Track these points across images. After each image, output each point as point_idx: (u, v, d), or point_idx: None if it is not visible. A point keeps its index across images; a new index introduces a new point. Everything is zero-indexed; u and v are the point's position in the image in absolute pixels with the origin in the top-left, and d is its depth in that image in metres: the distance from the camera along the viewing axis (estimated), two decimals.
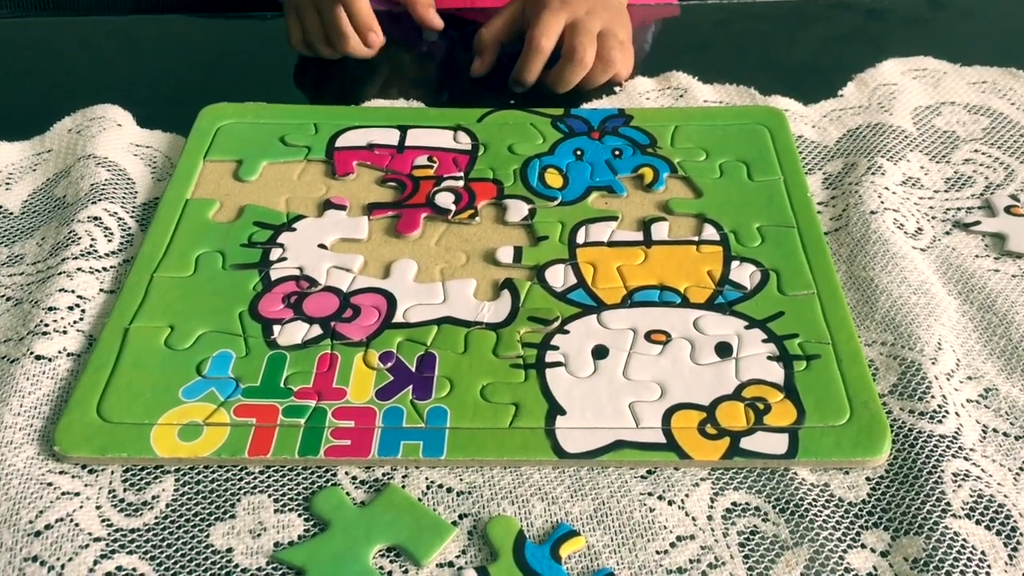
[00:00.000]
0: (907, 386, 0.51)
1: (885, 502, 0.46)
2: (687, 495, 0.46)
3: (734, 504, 0.46)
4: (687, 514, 0.46)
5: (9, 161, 0.68)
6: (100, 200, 0.63)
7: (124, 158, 0.67)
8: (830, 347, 0.53)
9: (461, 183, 0.65)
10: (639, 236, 0.60)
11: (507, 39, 0.75)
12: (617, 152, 0.67)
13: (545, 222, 0.61)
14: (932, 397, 0.50)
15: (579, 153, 0.67)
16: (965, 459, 0.47)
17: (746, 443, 0.48)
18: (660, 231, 0.61)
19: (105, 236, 0.60)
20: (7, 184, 0.66)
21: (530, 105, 0.71)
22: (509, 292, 0.57)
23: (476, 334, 0.54)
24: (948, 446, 0.48)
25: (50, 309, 0.55)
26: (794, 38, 0.82)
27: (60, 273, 0.57)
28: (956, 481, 0.46)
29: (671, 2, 0.86)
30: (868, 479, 0.47)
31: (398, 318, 0.55)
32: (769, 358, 0.52)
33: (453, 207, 0.63)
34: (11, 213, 0.64)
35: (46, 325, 0.54)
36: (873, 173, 0.64)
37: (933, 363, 0.52)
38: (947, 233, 0.61)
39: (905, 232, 0.61)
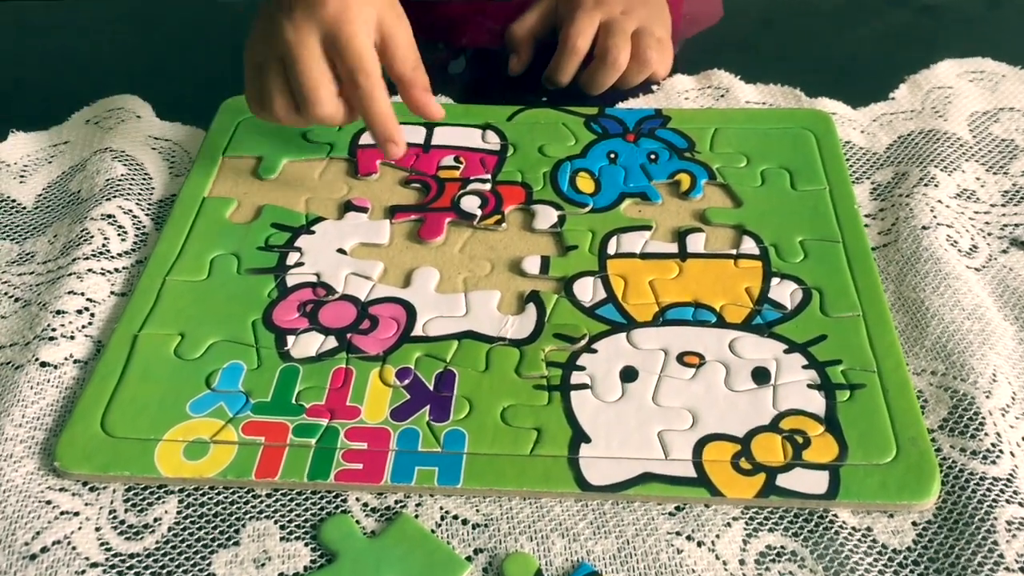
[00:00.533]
0: (958, 421, 0.48)
1: (932, 550, 0.43)
2: (718, 536, 0.44)
3: (768, 548, 0.43)
4: (717, 557, 0.43)
5: (25, 152, 0.66)
6: (115, 196, 0.60)
7: (142, 152, 0.65)
8: (876, 376, 0.49)
9: (488, 186, 0.62)
10: (674, 248, 0.57)
11: (541, 34, 0.72)
12: (653, 156, 0.64)
13: (575, 230, 0.58)
14: (985, 434, 0.47)
15: (613, 156, 0.64)
16: (1020, 504, 0.44)
17: (783, 480, 0.45)
18: (696, 243, 0.57)
19: (119, 235, 0.58)
20: (22, 176, 0.64)
21: (563, 103, 0.68)
22: (535, 306, 0.54)
23: (498, 351, 0.51)
24: (1002, 490, 0.44)
25: (58, 312, 0.53)
26: (843, 36, 0.78)
27: (70, 274, 0.55)
28: (1010, 530, 0.43)
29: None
30: (914, 524, 0.44)
31: (417, 331, 0.52)
32: (810, 386, 0.49)
33: (479, 212, 0.60)
34: (24, 208, 0.62)
35: (53, 330, 0.52)
36: (925, 184, 0.60)
37: (987, 396, 0.48)
38: (1004, 251, 0.57)
39: (959, 250, 0.57)
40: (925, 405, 0.49)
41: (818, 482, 0.45)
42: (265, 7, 0.57)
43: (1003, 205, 0.60)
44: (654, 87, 0.71)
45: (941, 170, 0.62)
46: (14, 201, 0.62)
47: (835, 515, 0.44)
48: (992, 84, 0.70)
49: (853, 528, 0.44)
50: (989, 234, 0.58)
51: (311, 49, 0.54)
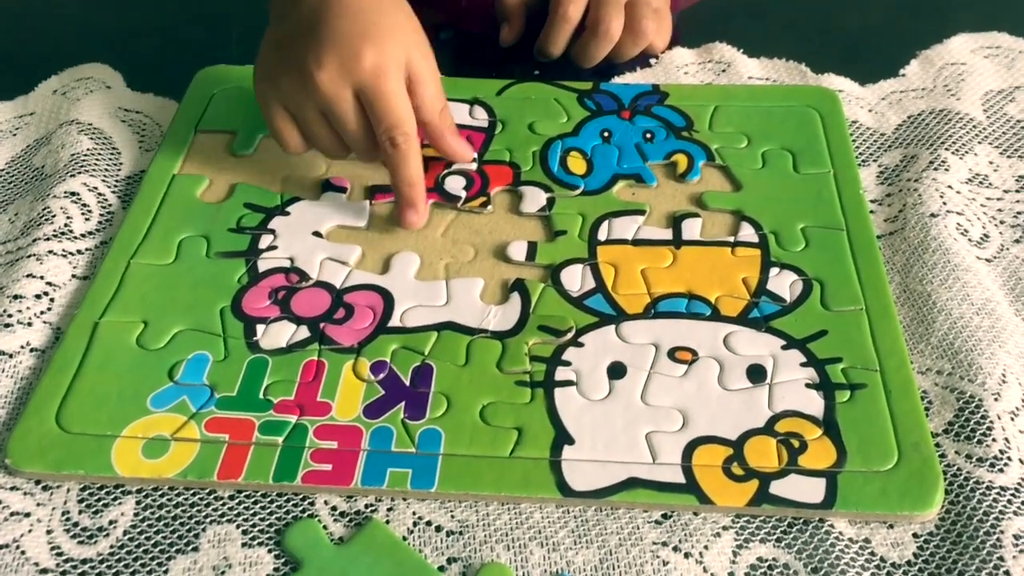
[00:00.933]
0: (964, 425, 0.45)
1: (934, 565, 0.40)
2: (706, 547, 0.41)
3: (760, 560, 0.41)
4: (705, 570, 0.40)
5: None
6: (80, 172, 0.57)
7: (110, 124, 0.61)
8: (878, 375, 0.46)
9: (474, 166, 0.58)
10: (668, 234, 0.54)
11: (532, 2, 0.68)
12: (649, 135, 0.60)
13: (564, 214, 0.55)
14: (993, 440, 0.44)
15: (606, 135, 0.60)
16: None
17: (777, 487, 0.42)
18: (692, 229, 0.54)
19: (82, 214, 0.55)
20: None
21: (556, 78, 0.65)
22: (519, 295, 0.51)
23: (480, 343, 0.48)
24: (1010, 500, 0.42)
25: (15, 297, 0.50)
26: (851, 7, 0.74)
27: (30, 256, 0.52)
28: (1017, 544, 0.40)
29: None
30: (915, 536, 0.41)
31: (395, 321, 0.50)
32: (808, 386, 0.46)
33: (463, 194, 0.57)
34: None
35: (9, 316, 0.49)
36: (935, 168, 0.57)
37: (996, 399, 0.45)
38: (1017, 241, 0.54)
39: (969, 239, 0.54)
40: (929, 407, 0.46)
41: (814, 490, 0.42)
42: (288, 51, 0.52)
43: (1017, 191, 0.57)
44: (652, 60, 0.67)
45: (952, 153, 0.58)
46: None
47: (831, 525, 0.42)
48: (1008, 61, 0.66)
49: (850, 540, 0.41)
50: (1002, 222, 0.55)
51: (350, 103, 0.51)
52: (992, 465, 0.43)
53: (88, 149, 0.59)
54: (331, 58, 0.50)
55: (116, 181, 0.58)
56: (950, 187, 0.56)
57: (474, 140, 0.60)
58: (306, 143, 0.54)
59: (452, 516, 0.42)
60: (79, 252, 0.54)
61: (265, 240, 0.54)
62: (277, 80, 0.52)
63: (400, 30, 0.52)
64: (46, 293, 0.51)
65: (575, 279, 0.52)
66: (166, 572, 0.40)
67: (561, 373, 0.47)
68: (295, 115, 0.53)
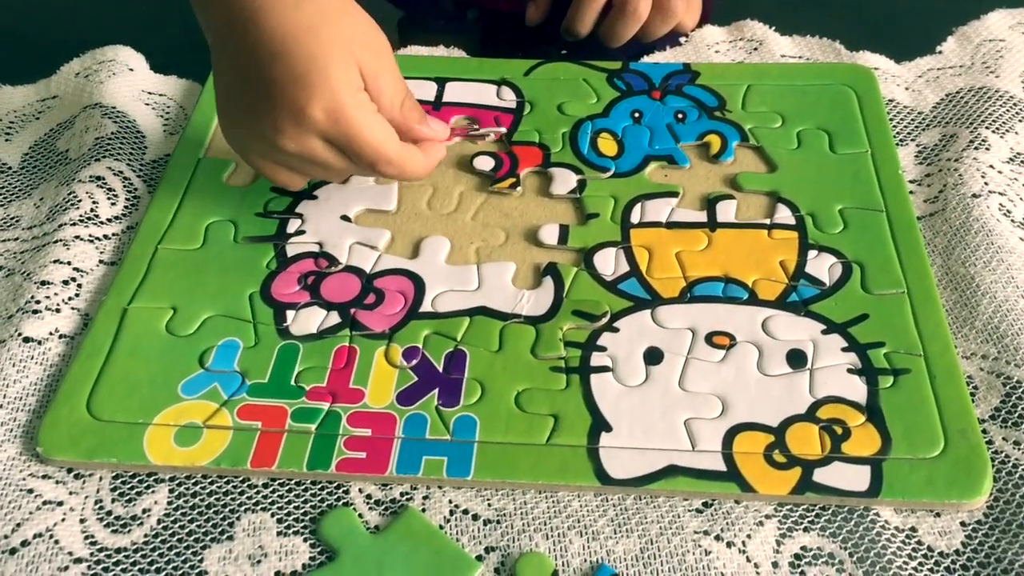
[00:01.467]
0: (1012, 411, 0.44)
1: (982, 554, 0.40)
2: (749, 535, 0.40)
3: (804, 549, 0.40)
4: (748, 559, 0.39)
5: (11, 108, 0.62)
6: (105, 156, 0.57)
7: (134, 107, 0.61)
8: (922, 360, 0.45)
9: (498, 145, 0.57)
10: (702, 216, 0.53)
11: None
12: (680, 115, 0.59)
13: (596, 196, 0.54)
14: None
15: (637, 115, 0.59)
16: None
17: (820, 475, 0.41)
18: (727, 211, 0.53)
19: (108, 199, 0.55)
20: (7, 134, 0.60)
21: (584, 57, 0.63)
22: (552, 279, 0.50)
23: (513, 329, 0.48)
24: None
25: (43, 283, 0.50)
26: None
27: (56, 241, 0.52)
28: None
29: None
30: (963, 525, 0.40)
31: (426, 306, 0.49)
32: (850, 371, 0.45)
33: (492, 175, 0.56)
34: (9, 168, 0.59)
35: (37, 302, 0.49)
36: (976, 147, 0.56)
37: None
38: None
39: (1012, 220, 0.52)
40: (975, 392, 0.45)
41: (859, 478, 0.41)
42: (241, 110, 0.48)
43: None
44: (682, 39, 0.66)
45: (993, 132, 0.57)
46: None
47: (876, 514, 0.41)
48: None
49: (896, 528, 0.40)
50: None
51: (323, 149, 0.47)
52: None
53: (112, 133, 0.58)
54: (285, 121, 0.46)
55: (141, 165, 0.57)
56: (991, 167, 0.55)
57: (502, 121, 0.59)
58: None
59: (489, 504, 0.41)
60: (106, 237, 0.53)
61: (293, 224, 0.53)
62: (247, 142, 0.49)
63: (340, 42, 0.47)
64: (73, 279, 0.50)
65: (609, 263, 0.51)
66: (201, 561, 0.40)
67: (597, 359, 0.46)
68: (283, 165, 0.50)
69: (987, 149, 0.56)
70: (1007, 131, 0.57)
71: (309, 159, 0.48)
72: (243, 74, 0.47)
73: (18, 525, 0.41)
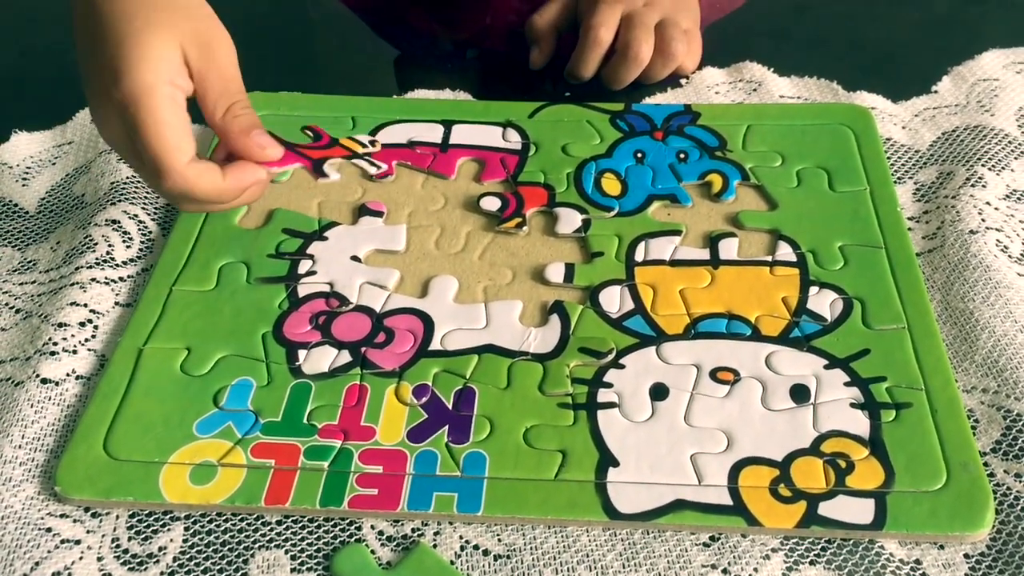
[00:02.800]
0: (1012, 444, 0.45)
1: None
2: (756, 569, 0.41)
3: None
4: None
5: (28, 154, 0.64)
6: (120, 201, 0.58)
7: None
8: (923, 394, 0.46)
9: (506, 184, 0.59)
10: (705, 254, 0.54)
11: (562, 25, 0.68)
12: (682, 155, 0.60)
13: (600, 235, 0.55)
14: None
15: (640, 156, 0.61)
16: None
17: (825, 509, 0.42)
18: (729, 249, 0.54)
19: (123, 242, 0.56)
20: (24, 179, 0.62)
21: (587, 99, 0.65)
22: (559, 317, 0.51)
23: (521, 366, 0.49)
24: None
25: (60, 325, 0.51)
26: (881, 23, 0.74)
27: (73, 284, 0.53)
28: None
29: None
30: (967, 557, 0.41)
31: (435, 345, 0.50)
32: (852, 405, 0.46)
33: (499, 215, 0.57)
34: (27, 212, 0.60)
35: (55, 344, 0.50)
36: (972, 185, 0.57)
37: None
38: None
39: (1010, 255, 0.53)
40: (976, 426, 0.46)
41: (863, 511, 0.42)
42: (87, 93, 0.47)
43: None
44: (682, 81, 0.67)
45: (989, 169, 0.58)
46: (16, 205, 0.60)
47: (881, 547, 0.41)
48: None
49: (901, 561, 0.41)
50: None
51: (119, 139, 0.45)
52: None
53: (127, 177, 0.59)
54: (95, 102, 0.45)
55: (155, 208, 0.59)
56: (988, 203, 0.56)
57: (508, 162, 0.61)
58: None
59: (499, 540, 0.42)
60: (121, 279, 0.54)
61: (304, 265, 0.54)
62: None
63: (164, 29, 0.44)
64: (90, 321, 0.52)
65: (614, 300, 0.52)
66: None
67: (603, 395, 0.47)
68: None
69: (983, 186, 0.57)
70: (1003, 168, 0.59)
71: (114, 147, 0.46)
72: (84, 52, 0.46)
73: (37, 564, 0.41)
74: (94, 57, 0.45)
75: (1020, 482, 0.43)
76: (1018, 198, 0.57)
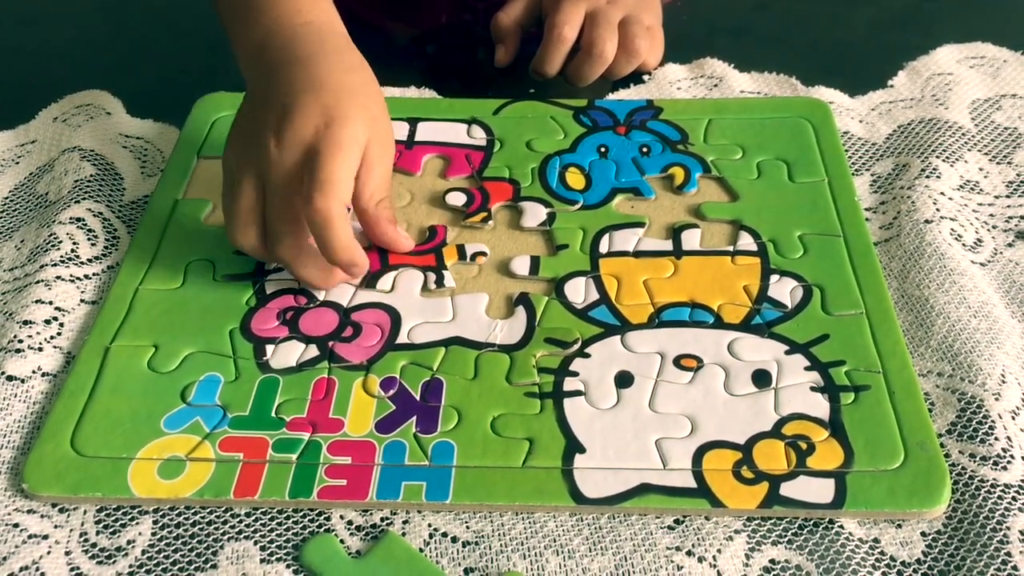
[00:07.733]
0: (967, 425, 0.46)
1: (943, 563, 0.41)
2: (719, 550, 0.42)
3: (772, 562, 0.41)
4: (719, 573, 0.41)
5: None
6: (84, 199, 0.58)
7: (112, 151, 0.62)
8: (881, 377, 0.47)
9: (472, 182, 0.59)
10: (668, 245, 0.55)
11: (527, 23, 0.69)
12: (645, 149, 0.61)
13: (565, 228, 0.56)
14: (995, 439, 0.45)
15: (603, 150, 0.61)
16: None
17: (787, 489, 0.43)
18: (691, 239, 0.55)
19: (88, 239, 0.56)
20: None
21: (552, 95, 0.66)
22: (524, 309, 0.52)
23: (487, 357, 0.49)
24: (1015, 497, 0.43)
25: (25, 323, 0.51)
26: (838, 20, 0.75)
27: (38, 282, 0.53)
28: None
29: None
30: (923, 535, 0.42)
31: (402, 338, 0.50)
32: (812, 389, 0.47)
33: (463, 210, 0.58)
34: None
35: (20, 341, 0.50)
36: (927, 176, 0.58)
37: (996, 399, 0.46)
38: (1009, 245, 0.55)
39: (963, 244, 0.55)
40: (932, 408, 0.47)
41: (823, 490, 0.43)
42: (250, 117, 0.52)
43: (1008, 196, 0.58)
44: (645, 77, 0.68)
45: (943, 161, 0.60)
46: None
47: (841, 526, 0.42)
48: (993, 70, 0.68)
49: (860, 540, 0.42)
50: (994, 227, 0.57)
51: (290, 164, 0.49)
52: (996, 463, 0.44)
53: (91, 175, 0.59)
54: (284, 117, 0.49)
55: (120, 207, 0.59)
56: (942, 194, 0.57)
57: (473, 158, 0.61)
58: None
59: (467, 527, 0.43)
60: (87, 277, 0.54)
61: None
62: (240, 151, 0.51)
63: (365, 113, 0.50)
64: (55, 318, 0.51)
65: (579, 291, 0.52)
66: None
67: (569, 384, 0.48)
68: (252, 205, 0.51)
69: (938, 177, 0.58)
70: (956, 160, 0.60)
71: (281, 174, 0.48)
72: (282, 78, 0.51)
73: (4, 559, 0.41)
74: (311, 91, 0.50)
75: (974, 462, 0.44)
76: (971, 188, 0.59)
